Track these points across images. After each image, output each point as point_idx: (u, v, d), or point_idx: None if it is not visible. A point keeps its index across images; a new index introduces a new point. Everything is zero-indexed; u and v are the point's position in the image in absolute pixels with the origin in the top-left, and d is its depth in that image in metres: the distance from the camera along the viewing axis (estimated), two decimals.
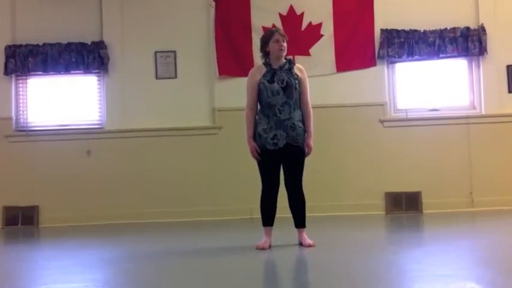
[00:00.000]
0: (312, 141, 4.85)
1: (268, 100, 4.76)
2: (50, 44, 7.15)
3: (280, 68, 4.81)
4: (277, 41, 4.78)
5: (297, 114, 4.77)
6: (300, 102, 4.82)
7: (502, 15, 7.19)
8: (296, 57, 7.12)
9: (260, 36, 6.98)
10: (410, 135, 7.14)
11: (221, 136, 7.18)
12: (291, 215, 4.88)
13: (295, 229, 4.88)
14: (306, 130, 4.82)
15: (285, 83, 4.74)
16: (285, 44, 4.82)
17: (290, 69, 4.82)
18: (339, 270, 3.92)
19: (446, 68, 7.32)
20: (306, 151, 4.83)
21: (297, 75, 4.81)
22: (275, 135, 4.74)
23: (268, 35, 4.89)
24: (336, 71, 7.21)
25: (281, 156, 4.79)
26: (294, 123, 4.74)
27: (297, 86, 4.77)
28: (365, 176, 7.12)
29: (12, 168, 7.12)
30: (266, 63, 4.87)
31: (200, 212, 7.04)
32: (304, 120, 4.83)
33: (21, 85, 7.31)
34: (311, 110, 4.88)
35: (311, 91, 4.89)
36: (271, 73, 4.80)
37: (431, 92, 7.31)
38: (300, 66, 4.92)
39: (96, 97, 7.32)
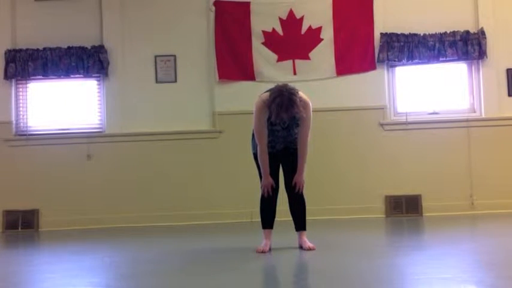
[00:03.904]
0: (303, 179, 4.76)
1: (267, 130, 4.69)
2: (50, 49, 7.16)
3: None
4: (275, 124, 4.61)
5: (294, 130, 4.71)
6: (298, 138, 4.71)
7: (502, 19, 7.20)
8: (296, 61, 7.17)
9: (262, 41, 7.16)
10: (410, 139, 7.15)
11: (221, 140, 7.18)
12: (291, 218, 4.88)
13: (296, 232, 4.88)
14: (297, 165, 4.74)
15: (286, 125, 4.67)
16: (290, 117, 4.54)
17: (294, 117, 4.57)
18: (339, 273, 3.91)
19: (446, 71, 7.33)
20: (296, 189, 4.76)
21: (299, 117, 4.57)
22: (273, 140, 4.74)
23: (275, 114, 4.46)
24: (336, 75, 7.21)
25: (280, 157, 4.79)
26: (291, 135, 4.72)
27: (297, 125, 4.68)
28: (365, 179, 7.12)
29: (12, 172, 7.13)
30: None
31: (200, 215, 7.03)
32: (297, 156, 4.73)
33: (21, 89, 7.32)
34: (307, 149, 4.71)
35: (312, 94, 4.83)
36: None
37: (431, 96, 7.32)
38: (305, 101, 4.59)
39: (96, 101, 7.33)
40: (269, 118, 4.59)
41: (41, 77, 7.23)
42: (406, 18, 7.20)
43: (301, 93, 4.60)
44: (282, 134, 4.72)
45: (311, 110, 4.67)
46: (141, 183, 7.15)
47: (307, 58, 7.21)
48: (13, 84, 7.26)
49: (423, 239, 5.74)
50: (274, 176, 4.80)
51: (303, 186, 4.79)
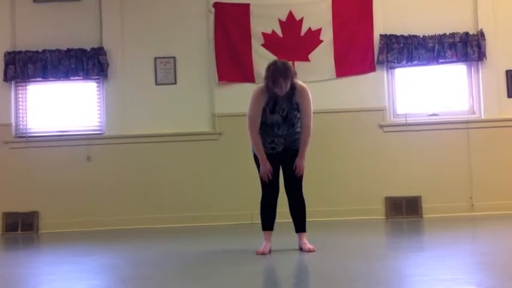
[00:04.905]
0: (303, 163, 4.77)
1: (267, 125, 4.74)
2: (50, 51, 7.16)
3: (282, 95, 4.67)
4: (279, 90, 4.61)
5: (294, 129, 4.76)
6: (300, 124, 4.76)
7: (501, 21, 7.21)
8: (295, 63, 7.16)
9: (261, 43, 7.16)
10: (410, 140, 7.15)
11: (221, 142, 7.18)
12: (291, 220, 4.88)
13: (296, 234, 4.88)
14: (299, 151, 4.76)
15: (285, 113, 4.70)
16: (287, 85, 4.59)
17: (291, 97, 4.66)
18: (339, 275, 3.91)
19: (445, 73, 7.33)
20: (296, 172, 4.77)
21: (297, 102, 4.67)
22: (273, 140, 4.76)
23: (271, 80, 4.56)
24: (335, 77, 7.22)
25: (280, 159, 4.80)
26: (291, 135, 4.76)
27: (297, 115, 4.72)
28: (365, 180, 7.12)
29: (12, 174, 7.13)
30: (268, 88, 4.66)
31: (200, 217, 7.03)
32: (300, 142, 4.76)
33: (20, 91, 7.32)
34: (309, 135, 4.74)
35: (311, 96, 4.83)
36: (273, 101, 4.69)
37: (430, 97, 7.32)
38: (303, 87, 4.70)
39: (95, 103, 7.33)
40: (268, 104, 4.65)
41: (40, 79, 7.24)
42: (406, 19, 7.21)
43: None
44: (282, 132, 4.73)
45: (310, 96, 4.73)
46: (140, 185, 7.14)
47: (307, 60, 7.21)
48: (12, 86, 7.26)
49: (423, 241, 5.73)
50: (274, 178, 4.79)
51: (303, 171, 4.80)
